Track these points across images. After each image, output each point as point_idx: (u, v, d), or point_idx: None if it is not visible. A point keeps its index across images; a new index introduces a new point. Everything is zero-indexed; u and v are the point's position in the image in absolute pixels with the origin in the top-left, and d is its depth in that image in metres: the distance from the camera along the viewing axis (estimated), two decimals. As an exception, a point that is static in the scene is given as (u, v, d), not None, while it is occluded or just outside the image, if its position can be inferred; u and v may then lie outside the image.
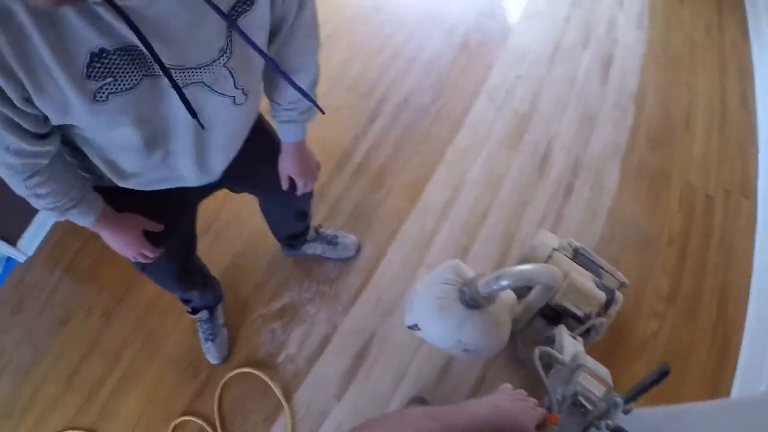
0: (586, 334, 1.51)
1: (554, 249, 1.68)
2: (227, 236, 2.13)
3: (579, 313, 1.50)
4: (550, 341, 1.41)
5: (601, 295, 1.55)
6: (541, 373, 1.05)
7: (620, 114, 2.50)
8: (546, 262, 1.64)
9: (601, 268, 1.72)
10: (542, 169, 2.29)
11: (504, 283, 1.13)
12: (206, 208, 1.47)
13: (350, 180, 2.26)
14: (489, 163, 2.29)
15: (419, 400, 1.74)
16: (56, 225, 2.20)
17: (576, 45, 2.77)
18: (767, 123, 2.61)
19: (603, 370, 1.07)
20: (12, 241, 2.04)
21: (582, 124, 2.43)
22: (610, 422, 0.87)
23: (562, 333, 1.36)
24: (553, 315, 1.56)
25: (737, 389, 1.89)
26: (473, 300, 1.19)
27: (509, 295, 1.34)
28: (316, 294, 2.00)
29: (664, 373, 0.87)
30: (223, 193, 1.36)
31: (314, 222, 1.95)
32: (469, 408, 0.78)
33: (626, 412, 0.90)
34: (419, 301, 1.26)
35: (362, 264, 2.06)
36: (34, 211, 2.10)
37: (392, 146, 2.36)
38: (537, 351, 1.12)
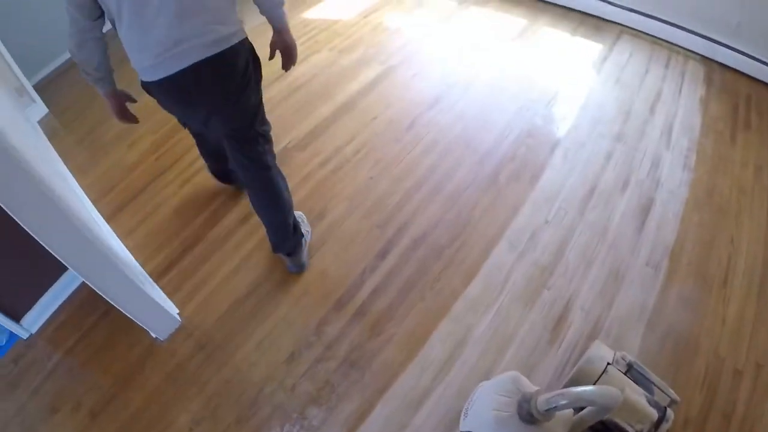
0: None
1: (608, 363, 1.71)
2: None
3: (630, 430, 1.55)
4: None
5: (653, 413, 1.58)
6: None
7: (652, 272, 2.37)
8: (600, 376, 1.67)
9: (653, 384, 1.74)
10: (556, 332, 2.19)
11: (564, 402, 1.19)
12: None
13: (349, 322, 2.22)
14: (499, 319, 2.21)
15: None
16: (62, 307, 2.32)
17: (615, 187, 2.67)
18: None
19: None
20: (17, 317, 2.18)
21: (608, 282, 2.32)
22: None
23: None
24: (603, 429, 1.60)
25: None
26: (531, 416, 1.23)
27: (567, 411, 1.38)
28: (299, 439, 1.93)
29: None
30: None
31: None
32: None
33: None
34: (476, 410, 1.33)
35: (347, 416, 1.99)
36: (42, 291, 2.26)
37: (399, 289, 2.32)
38: None
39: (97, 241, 1.78)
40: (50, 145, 3.05)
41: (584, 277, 2.34)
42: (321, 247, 2.48)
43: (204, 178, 2.83)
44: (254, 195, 2.16)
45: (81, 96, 3.64)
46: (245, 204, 2.62)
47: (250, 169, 2.03)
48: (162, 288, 2.29)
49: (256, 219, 2.42)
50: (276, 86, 3.46)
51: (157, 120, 3.13)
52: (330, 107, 3.22)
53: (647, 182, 2.74)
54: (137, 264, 2.39)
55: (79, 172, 2.97)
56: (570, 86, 3.36)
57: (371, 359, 2.12)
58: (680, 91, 3.34)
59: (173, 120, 2.24)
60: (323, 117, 3.16)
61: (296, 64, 2.83)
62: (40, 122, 3.46)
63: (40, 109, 3.49)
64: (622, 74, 3.45)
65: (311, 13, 4.29)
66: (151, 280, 2.30)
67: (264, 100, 2.59)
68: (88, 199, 2.70)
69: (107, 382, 2.07)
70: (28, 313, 2.21)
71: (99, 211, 2.68)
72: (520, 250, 2.43)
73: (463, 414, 1.41)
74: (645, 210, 2.62)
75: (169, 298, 2.27)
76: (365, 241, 2.49)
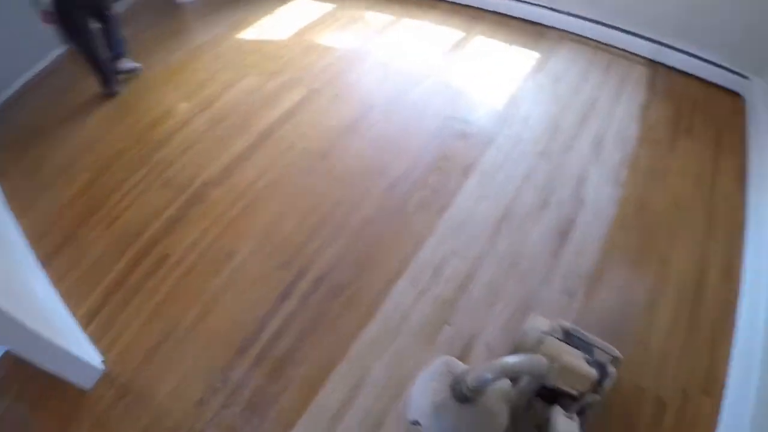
0: (582, 412, 1.60)
1: (544, 333, 1.77)
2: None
3: (573, 392, 1.60)
4: (549, 421, 1.57)
5: (593, 373, 1.64)
6: None
7: (567, 300, 2.29)
8: (537, 347, 1.72)
9: (593, 345, 1.83)
10: (458, 372, 2.10)
11: (491, 376, 1.27)
12: None
13: (250, 367, 2.20)
14: (397, 359, 2.17)
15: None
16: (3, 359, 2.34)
17: (531, 210, 2.60)
18: (752, 296, 2.30)
19: None
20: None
21: (516, 316, 2.24)
22: None
23: (558, 415, 1.50)
24: (550, 395, 1.67)
25: None
26: (464, 395, 1.30)
27: (502, 384, 1.46)
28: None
29: None
30: None
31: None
32: None
33: None
34: (416, 400, 1.38)
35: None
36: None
37: (298, 332, 2.29)
38: None
39: (14, 308, 1.82)
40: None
41: (490, 311, 2.29)
42: (228, 290, 2.47)
43: (126, 218, 2.91)
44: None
45: (28, 127, 3.75)
46: (159, 250, 2.71)
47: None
48: (89, 334, 2.36)
49: (169, 262, 2.60)
50: (200, 117, 3.45)
51: (92, 159, 3.28)
52: (249, 138, 3.21)
53: (569, 203, 2.67)
54: (66, 313, 2.44)
55: (20, 210, 3.01)
56: (497, 101, 3.32)
57: (272, 404, 2.10)
58: (618, 98, 3.28)
59: (105, 156, 3.06)
60: (241, 149, 3.15)
61: (224, 92, 3.16)
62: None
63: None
64: (557, 85, 3.40)
65: (247, 34, 4.29)
66: (79, 327, 2.37)
67: (187, 132, 3.27)
68: (26, 243, 2.78)
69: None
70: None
71: (36, 254, 2.74)
72: (422, 286, 2.38)
73: (407, 405, 1.49)
74: (563, 234, 2.55)
75: (95, 344, 2.33)
76: (268, 283, 2.46)
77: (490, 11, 4.12)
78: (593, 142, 2.96)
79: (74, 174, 3.24)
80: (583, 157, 2.88)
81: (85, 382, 2.21)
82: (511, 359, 1.32)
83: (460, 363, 1.45)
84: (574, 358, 1.70)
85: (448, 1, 4.31)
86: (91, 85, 3.62)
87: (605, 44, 3.70)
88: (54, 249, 2.81)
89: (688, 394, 2.06)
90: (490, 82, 3.46)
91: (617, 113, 3.15)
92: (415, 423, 1.42)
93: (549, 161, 2.84)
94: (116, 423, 2.12)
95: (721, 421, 2.03)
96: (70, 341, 2.15)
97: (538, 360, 1.36)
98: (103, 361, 2.27)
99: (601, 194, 2.70)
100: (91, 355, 2.26)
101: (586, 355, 1.76)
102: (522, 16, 3.98)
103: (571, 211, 2.63)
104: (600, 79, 3.41)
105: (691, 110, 3.19)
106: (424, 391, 1.37)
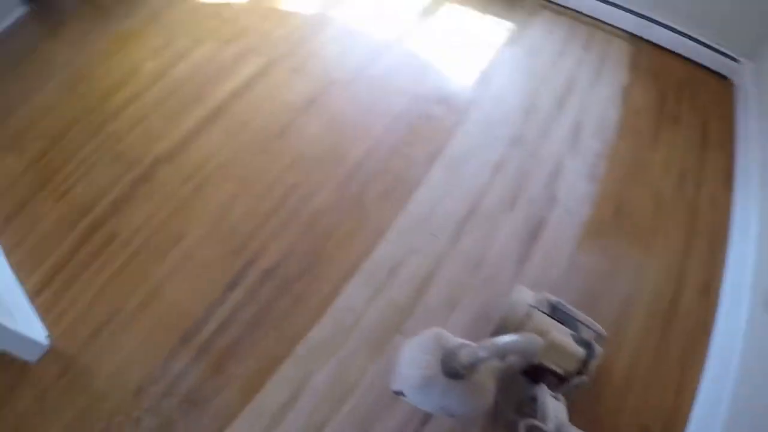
0: (567, 393, 1.59)
1: (531, 306, 1.77)
2: None
3: (560, 371, 1.62)
4: (532, 400, 1.59)
5: (581, 352, 1.66)
6: None
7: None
8: (526, 321, 1.73)
9: (579, 321, 1.82)
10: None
11: (486, 355, 1.26)
12: None
13: (192, 359, 2.12)
14: (341, 367, 2.07)
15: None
16: None
17: (500, 206, 2.48)
18: (729, 319, 2.18)
19: None
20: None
21: (474, 326, 2.13)
22: None
23: (545, 395, 1.50)
24: (534, 372, 1.68)
25: None
26: (455, 371, 1.31)
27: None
28: None
29: None
30: None
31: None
32: None
33: None
34: (403, 370, 1.38)
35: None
36: None
37: (244, 324, 2.20)
38: (523, 425, 1.21)
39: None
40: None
41: (446, 320, 2.18)
42: (174, 276, 2.36)
43: (77, 192, 2.74)
44: None
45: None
46: (107, 229, 2.58)
47: None
48: (38, 307, 2.29)
49: (117, 242, 2.48)
50: (154, 88, 3.25)
51: (46, 127, 3.05)
52: (202, 113, 3.02)
53: (541, 199, 2.54)
54: (14, 286, 2.39)
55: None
56: (467, 76, 3.14)
57: (211, 399, 2.03)
58: (599, 77, 3.12)
59: (59, 124, 2.84)
60: (194, 124, 2.97)
61: (180, 60, 2.97)
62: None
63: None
64: (532, 59, 3.22)
65: (205, -5, 4.04)
66: (27, 302, 2.33)
67: (140, 103, 3.05)
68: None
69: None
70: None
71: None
72: (377, 286, 2.26)
73: (393, 375, 1.48)
74: (533, 235, 2.42)
75: (44, 317, 2.27)
76: (216, 271, 2.35)
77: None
78: (571, 129, 2.82)
79: (27, 142, 3.04)
80: (560, 146, 2.74)
81: (30, 356, 2.18)
82: (508, 339, 1.31)
83: (452, 336, 1.44)
84: (562, 335, 1.72)
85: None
86: (53, 48, 3.41)
87: (585, 15, 3.49)
88: (6, 218, 2.68)
89: (647, 427, 1.98)
90: (460, 55, 3.26)
91: (597, 94, 3.01)
92: (399, 393, 1.43)
93: (522, 148, 2.70)
94: (55, 403, 2.05)
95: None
96: (16, 315, 2.14)
97: (534, 339, 1.35)
98: (47, 336, 2.21)
99: (577, 191, 2.58)
100: (36, 330, 2.22)
101: (573, 332, 1.75)
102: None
103: (542, 208, 2.51)
104: (579, 55, 3.24)
105: (677, 95, 3.06)
106: (412, 362, 1.37)
